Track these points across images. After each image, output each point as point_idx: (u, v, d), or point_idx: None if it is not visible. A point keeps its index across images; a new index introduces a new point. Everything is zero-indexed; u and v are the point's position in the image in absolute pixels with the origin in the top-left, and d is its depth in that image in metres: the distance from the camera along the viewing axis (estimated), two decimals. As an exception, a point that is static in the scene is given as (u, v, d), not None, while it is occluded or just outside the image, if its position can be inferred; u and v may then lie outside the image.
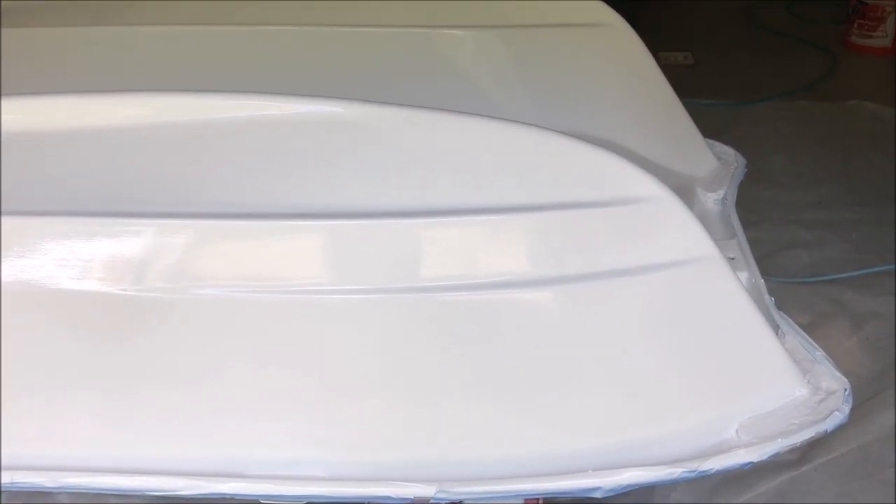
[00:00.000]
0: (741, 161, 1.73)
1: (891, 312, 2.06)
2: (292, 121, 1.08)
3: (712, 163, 1.70)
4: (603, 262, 1.12)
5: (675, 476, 1.05)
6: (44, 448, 1.11)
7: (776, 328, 1.24)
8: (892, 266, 2.20)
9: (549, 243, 1.12)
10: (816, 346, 1.21)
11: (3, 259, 1.07)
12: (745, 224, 2.34)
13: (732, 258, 1.41)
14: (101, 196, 1.10)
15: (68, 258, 1.09)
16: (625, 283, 1.12)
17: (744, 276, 1.36)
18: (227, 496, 1.07)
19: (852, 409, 1.73)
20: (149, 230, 1.10)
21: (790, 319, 1.26)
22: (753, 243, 2.30)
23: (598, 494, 1.05)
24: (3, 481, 1.05)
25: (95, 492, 1.13)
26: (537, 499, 1.13)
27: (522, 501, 1.11)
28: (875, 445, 1.67)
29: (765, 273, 2.15)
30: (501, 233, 1.11)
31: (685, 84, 3.35)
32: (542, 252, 1.12)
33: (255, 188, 1.11)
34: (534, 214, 1.11)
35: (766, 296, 1.31)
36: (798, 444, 1.10)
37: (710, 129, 2.62)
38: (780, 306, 2.03)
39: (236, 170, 1.11)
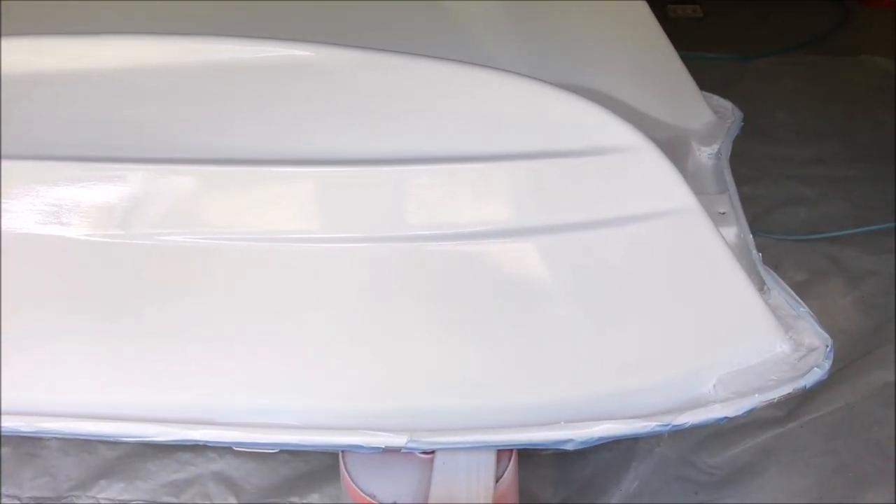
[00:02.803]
0: (738, 115, 1.69)
1: (888, 270, 2.03)
2: (264, 64, 1.06)
3: (708, 116, 1.67)
4: (582, 212, 1.10)
5: (648, 429, 1.05)
6: (24, 393, 1.11)
7: (761, 284, 1.22)
8: (891, 224, 2.17)
9: (528, 192, 1.10)
10: (801, 302, 1.19)
11: None
12: (745, 180, 2.31)
13: (723, 213, 1.39)
14: (81, 140, 1.09)
15: (51, 203, 1.08)
16: (603, 234, 1.10)
17: (733, 230, 1.34)
18: (200, 442, 1.08)
19: (843, 367, 1.74)
20: (130, 176, 1.08)
21: (776, 275, 1.24)
22: (752, 199, 2.28)
23: (569, 447, 1.04)
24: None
25: (71, 437, 1.15)
26: (510, 449, 1.12)
27: (495, 452, 1.11)
28: (863, 403, 1.66)
29: (762, 230, 2.15)
30: (481, 181, 1.09)
31: (693, 37, 3.32)
32: (522, 201, 1.10)
33: (236, 133, 1.10)
34: (513, 163, 1.09)
35: (754, 251, 1.29)
36: (775, 400, 1.09)
37: (716, 83, 2.57)
38: (776, 263, 2.02)
39: (217, 115, 1.10)
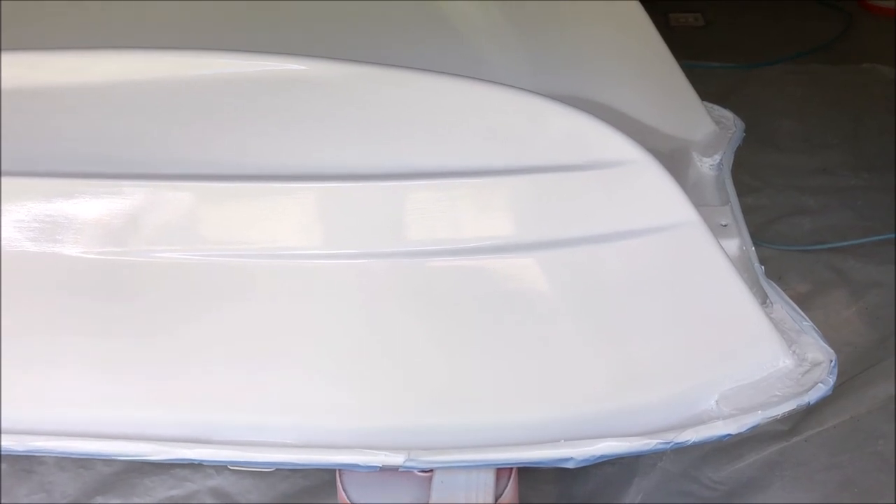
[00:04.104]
0: (739, 125, 1.68)
1: (892, 282, 2.01)
2: (260, 79, 1.05)
3: (709, 126, 1.66)
4: (582, 226, 1.09)
5: (650, 447, 1.03)
6: (16, 411, 1.10)
7: (763, 297, 1.20)
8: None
9: (528, 207, 1.09)
10: (804, 316, 1.18)
11: None
12: (748, 190, 2.31)
13: (724, 225, 1.38)
14: (76, 156, 1.08)
15: (45, 220, 1.07)
16: (604, 249, 1.09)
17: (735, 243, 1.32)
18: (195, 461, 1.06)
19: (847, 380, 1.72)
20: (125, 192, 1.07)
21: (779, 288, 1.23)
22: (755, 209, 2.27)
23: (570, 465, 1.03)
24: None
25: (65, 456, 1.13)
26: (510, 467, 1.11)
27: (494, 470, 1.09)
28: (868, 417, 1.64)
29: (765, 240, 2.13)
30: (480, 196, 1.08)
31: (695, 46, 3.31)
32: (522, 216, 1.09)
33: (233, 149, 1.08)
34: (513, 177, 1.08)
35: (756, 264, 1.28)
36: (779, 416, 1.07)
37: (719, 92, 2.58)
38: (779, 274, 2.01)
39: (213, 130, 1.09)
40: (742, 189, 1.49)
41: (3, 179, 1.06)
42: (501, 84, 1.07)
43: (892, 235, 2.15)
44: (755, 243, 1.32)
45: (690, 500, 1.52)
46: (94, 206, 1.07)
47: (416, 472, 1.09)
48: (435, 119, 1.07)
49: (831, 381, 1.10)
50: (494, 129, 1.06)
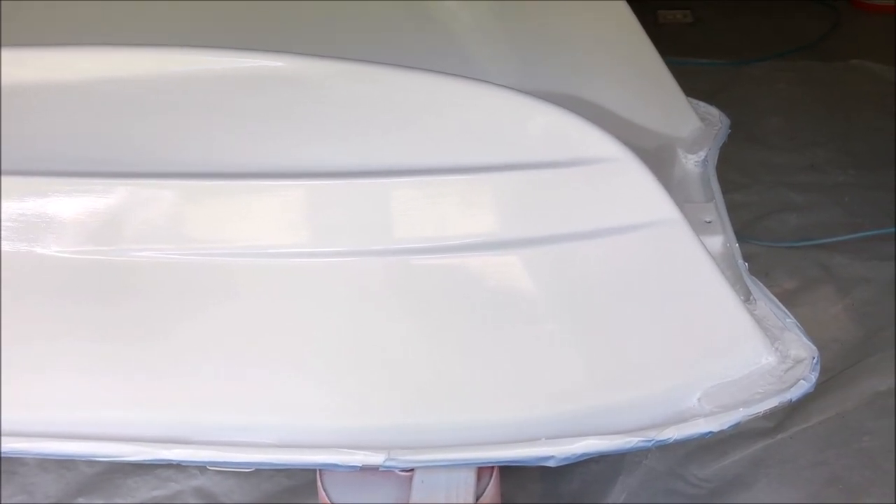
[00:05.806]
0: (725, 122, 1.68)
1: (880, 278, 2.01)
2: (242, 76, 1.04)
3: (695, 123, 1.66)
4: (564, 224, 1.08)
5: (631, 445, 1.03)
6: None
7: (747, 294, 1.20)
8: (884, 230, 2.15)
9: (511, 204, 1.08)
10: (788, 312, 1.18)
11: None
12: (736, 187, 2.31)
13: (709, 221, 1.37)
14: (56, 155, 1.07)
15: (25, 219, 1.06)
16: (586, 246, 1.08)
17: (719, 239, 1.32)
18: (174, 462, 1.05)
19: (833, 376, 1.72)
20: (106, 190, 1.06)
21: (762, 285, 1.22)
22: (743, 206, 2.27)
23: (551, 463, 1.02)
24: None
25: (44, 457, 1.12)
26: (492, 466, 1.10)
27: (475, 469, 1.08)
28: (854, 413, 1.64)
29: (753, 237, 2.13)
30: (463, 193, 1.07)
31: (684, 43, 3.31)
32: (505, 213, 1.08)
33: (216, 146, 1.08)
34: (495, 175, 1.07)
35: (740, 261, 1.27)
36: (761, 414, 1.07)
37: (707, 89, 2.57)
38: (767, 270, 2.01)
39: (196, 127, 1.08)
40: (730, 186, 1.50)
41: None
42: (483, 81, 1.07)
43: (879, 231, 2.15)
44: (742, 240, 1.32)
45: (676, 498, 1.52)
46: (74, 204, 1.06)
47: (396, 471, 1.09)
48: (418, 116, 1.07)
49: (814, 377, 1.10)
50: (477, 126, 1.06)
